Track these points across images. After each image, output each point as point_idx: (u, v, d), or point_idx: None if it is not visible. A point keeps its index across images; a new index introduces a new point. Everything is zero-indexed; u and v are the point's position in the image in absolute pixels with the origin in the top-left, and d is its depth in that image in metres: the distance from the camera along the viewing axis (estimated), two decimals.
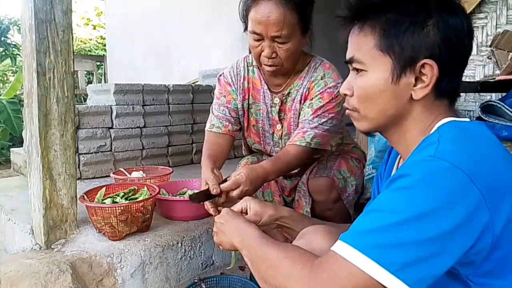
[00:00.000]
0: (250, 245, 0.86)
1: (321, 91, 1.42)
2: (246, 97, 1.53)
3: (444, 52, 0.73)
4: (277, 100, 1.50)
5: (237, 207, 1.10)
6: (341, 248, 0.65)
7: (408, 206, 0.62)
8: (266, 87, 1.50)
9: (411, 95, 0.76)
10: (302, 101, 1.46)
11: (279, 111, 1.51)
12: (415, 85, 0.75)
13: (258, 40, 1.33)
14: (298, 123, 1.47)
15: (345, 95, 0.84)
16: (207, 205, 1.30)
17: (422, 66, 0.74)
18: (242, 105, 1.54)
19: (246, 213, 1.08)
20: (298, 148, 1.38)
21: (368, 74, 0.78)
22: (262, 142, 1.58)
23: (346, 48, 0.83)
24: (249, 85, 1.53)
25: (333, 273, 0.64)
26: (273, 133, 1.54)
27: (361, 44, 0.78)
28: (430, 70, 0.73)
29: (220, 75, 1.58)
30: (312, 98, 1.43)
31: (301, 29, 1.34)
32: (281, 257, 0.74)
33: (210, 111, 1.57)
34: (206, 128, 1.56)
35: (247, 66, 1.54)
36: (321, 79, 1.44)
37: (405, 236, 0.61)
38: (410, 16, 0.74)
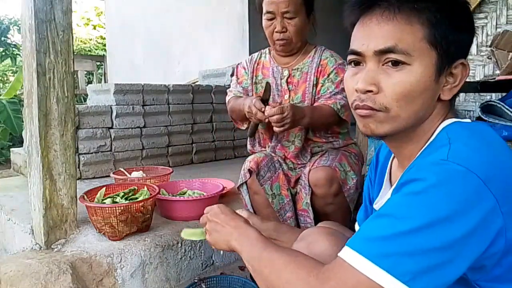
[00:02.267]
0: (252, 248, 0.82)
1: (334, 66, 1.64)
2: (255, 74, 1.78)
3: (468, 52, 0.73)
4: (286, 73, 1.70)
5: None
6: (350, 255, 0.62)
7: (421, 213, 0.59)
8: (275, 65, 1.73)
9: (439, 95, 0.73)
10: (317, 74, 1.65)
11: (287, 83, 1.70)
12: (444, 85, 0.72)
13: (270, 20, 1.59)
14: (312, 92, 1.65)
15: (367, 92, 0.71)
16: (260, 115, 1.44)
17: (456, 65, 0.72)
18: (251, 81, 1.77)
19: None
20: (331, 109, 1.58)
21: (413, 68, 0.69)
22: None
23: (347, 40, 0.77)
24: (258, 65, 1.79)
25: (341, 282, 0.62)
26: (281, 102, 1.69)
27: (405, 34, 0.69)
28: (462, 70, 0.72)
29: (239, 63, 1.85)
30: (329, 74, 1.64)
31: (305, 9, 1.58)
32: (286, 262, 0.72)
33: (228, 91, 1.82)
34: (228, 99, 1.77)
35: (261, 54, 1.81)
36: (331, 56, 1.67)
37: (417, 244, 0.58)
38: (458, 13, 0.71)
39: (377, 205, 0.90)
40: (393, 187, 0.79)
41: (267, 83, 1.55)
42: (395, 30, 0.69)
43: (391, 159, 0.90)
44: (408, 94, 0.69)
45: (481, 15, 2.57)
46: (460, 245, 0.59)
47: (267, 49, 1.79)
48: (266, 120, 1.43)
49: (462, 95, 2.72)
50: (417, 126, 0.74)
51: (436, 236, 0.58)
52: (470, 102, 2.72)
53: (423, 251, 0.58)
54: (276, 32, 1.59)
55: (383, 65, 0.71)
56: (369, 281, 0.59)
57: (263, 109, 1.44)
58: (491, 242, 0.61)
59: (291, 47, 1.64)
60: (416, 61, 0.69)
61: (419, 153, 0.73)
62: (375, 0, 0.72)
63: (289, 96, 1.69)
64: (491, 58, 2.37)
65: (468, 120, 0.75)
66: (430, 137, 0.74)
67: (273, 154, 1.69)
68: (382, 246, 0.60)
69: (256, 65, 1.78)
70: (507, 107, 1.72)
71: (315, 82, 1.65)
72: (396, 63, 0.69)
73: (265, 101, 1.49)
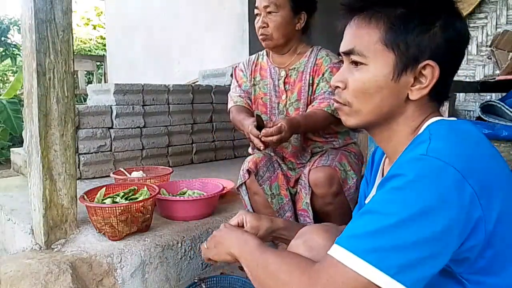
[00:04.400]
0: (249, 254, 0.85)
1: (329, 65, 1.64)
2: (253, 75, 1.79)
3: (446, 55, 0.73)
4: (283, 73, 1.71)
5: (233, 220, 1.10)
6: (338, 252, 0.65)
7: (403, 207, 0.62)
8: (273, 66, 1.74)
9: (407, 94, 0.75)
10: (313, 74, 1.66)
11: (284, 83, 1.70)
12: (412, 85, 0.74)
13: (258, 15, 1.63)
14: (307, 91, 1.66)
15: (337, 87, 0.81)
16: (256, 141, 1.45)
17: (423, 67, 0.73)
18: (250, 83, 1.78)
19: (243, 226, 1.09)
20: (324, 113, 1.58)
21: (369, 68, 0.75)
22: (268, 112, 1.75)
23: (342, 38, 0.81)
24: (256, 67, 1.79)
25: (331, 278, 0.64)
26: (279, 102, 1.72)
27: (364, 36, 0.75)
28: (431, 72, 0.73)
29: (236, 66, 1.87)
30: (324, 73, 1.64)
31: (291, 6, 1.59)
32: (279, 265, 0.74)
33: (229, 97, 1.83)
34: (229, 107, 1.79)
35: (259, 55, 1.82)
36: (327, 56, 1.67)
37: (401, 238, 0.61)
38: (420, 14, 0.72)
39: (368, 200, 0.93)
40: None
41: (257, 116, 1.51)
42: (356, 34, 0.77)
43: (384, 156, 0.92)
44: (364, 91, 0.76)
45: (481, 15, 2.57)
46: (442, 238, 0.62)
47: (264, 50, 1.80)
48: (262, 147, 1.43)
49: (462, 95, 2.72)
50: (387, 123, 0.79)
51: (418, 229, 0.61)
52: (470, 102, 2.71)
53: (407, 245, 0.61)
54: (258, 27, 1.63)
55: (350, 64, 0.79)
56: (357, 275, 0.62)
57: (260, 136, 1.43)
58: (470, 233, 0.64)
59: (273, 43, 1.65)
60: (372, 61, 0.75)
61: (404, 150, 0.75)
62: (350, 10, 0.80)
63: (286, 96, 1.70)
64: (491, 58, 2.37)
65: (453, 119, 0.76)
66: (415, 135, 0.76)
67: (272, 154, 1.70)
68: (368, 242, 0.62)
69: (254, 66, 1.79)
70: (507, 107, 1.72)
71: (310, 82, 1.66)
72: (356, 63, 0.77)
73: (260, 128, 1.46)
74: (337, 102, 0.82)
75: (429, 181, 0.62)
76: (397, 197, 0.63)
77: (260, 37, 1.65)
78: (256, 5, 1.62)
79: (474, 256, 0.66)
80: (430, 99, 0.76)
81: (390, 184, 0.66)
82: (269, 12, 1.59)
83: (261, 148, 1.44)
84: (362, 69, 0.76)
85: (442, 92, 0.77)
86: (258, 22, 1.63)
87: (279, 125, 1.40)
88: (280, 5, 1.58)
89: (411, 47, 0.72)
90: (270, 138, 1.40)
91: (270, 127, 1.41)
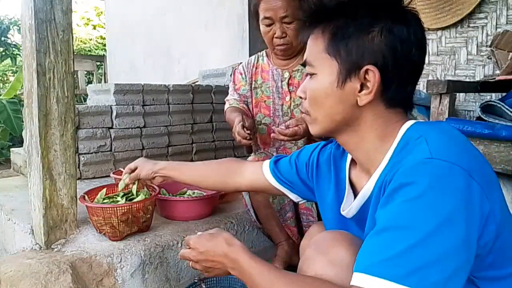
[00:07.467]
0: (250, 278, 0.77)
1: None
2: (254, 79, 1.78)
3: (389, 60, 0.73)
4: (286, 74, 1.72)
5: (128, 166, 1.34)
6: (371, 283, 0.59)
7: (427, 218, 0.59)
8: (274, 67, 1.75)
9: (356, 101, 0.76)
10: None
11: (288, 85, 1.72)
12: (360, 91, 0.75)
13: (269, 25, 1.60)
14: None
15: (300, 97, 0.85)
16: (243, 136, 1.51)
17: (366, 72, 0.73)
18: (250, 87, 1.78)
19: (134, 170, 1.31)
20: None
21: (318, 77, 0.79)
22: (272, 115, 1.76)
23: None
24: (257, 69, 1.79)
25: None
26: (282, 104, 1.73)
27: (313, 48, 0.80)
28: (372, 76, 0.73)
29: (236, 68, 1.88)
30: None
31: (302, 11, 1.50)
32: None
33: (225, 100, 1.85)
34: (225, 109, 1.81)
35: (258, 57, 1.82)
36: None
37: (435, 250, 0.58)
38: (356, 21, 0.74)
39: (346, 211, 0.87)
40: (360, 194, 0.82)
41: (251, 120, 1.60)
42: (308, 46, 0.82)
43: (348, 163, 0.90)
44: (315, 99, 0.80)
45: (481, 15, 2.57)
46: (469, 238, 0.61)
47: (263, 51, 1.79)
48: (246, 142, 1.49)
49: (462, 95, 2.71)
50: (349, 130, 0.79)
51: (449, 237, 0.59)
52: (470, 102, 2.71)
53: (443, 256, 0.58)
54: (276, 37, 1.60)
55: (308, 75, 0.83)
56: None
57: (247, 137, 1.49)
58: (483, 228, 0.63)
59: (292, 50, 1.66)
60: (319, 70, 0.79)
61: (390, 156, 0.74)
62: (305, 24, 0.84)
63: (290, 98, 1.70)
64: (491, 58, 2.36)
65: (428, 121, 0.77)
66: (387, 142, 0.76)
67: (274, 155, 1.70)
68: (403, 264, 0.58)
69: (254, 69, 1.78)
70: (507, 107, 1.72)
71: None
72: (310, 74, 0.81)
73: (249, 128, 1.51)
74: (301, 112, 0.87)
75: (444, 184, 0.61)
76: (418, 208, 0.61)
77: (279, 47, 1.63)
78: (268, 15, 1.58)
79: (486, 251, 0.66)
80: (388, 106, 0.76)
81: (404, 195, 0.63)
82: (286, 22, 1.58)
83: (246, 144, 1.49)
84: (313, 78, 0.81)
85: (399, 99, 0.77)
86: (271, 32, 1.60)
87: (296, 129, 1.42)
88: (296, 13, 1.58)
89: (351, 53, 0.74)
90: (282, 137, 1.44)
91: (287, 127, 1.45)
